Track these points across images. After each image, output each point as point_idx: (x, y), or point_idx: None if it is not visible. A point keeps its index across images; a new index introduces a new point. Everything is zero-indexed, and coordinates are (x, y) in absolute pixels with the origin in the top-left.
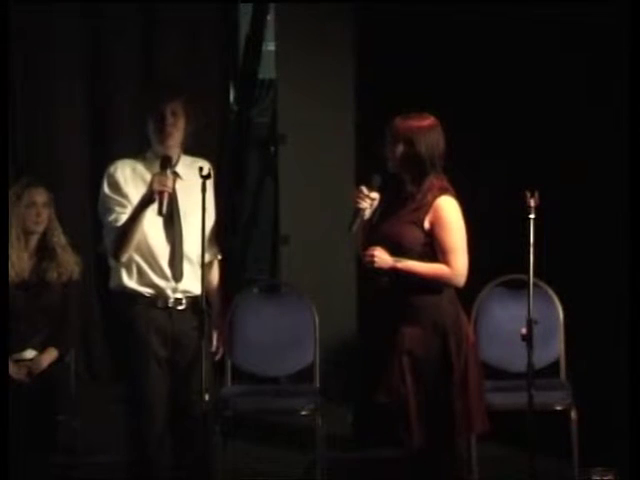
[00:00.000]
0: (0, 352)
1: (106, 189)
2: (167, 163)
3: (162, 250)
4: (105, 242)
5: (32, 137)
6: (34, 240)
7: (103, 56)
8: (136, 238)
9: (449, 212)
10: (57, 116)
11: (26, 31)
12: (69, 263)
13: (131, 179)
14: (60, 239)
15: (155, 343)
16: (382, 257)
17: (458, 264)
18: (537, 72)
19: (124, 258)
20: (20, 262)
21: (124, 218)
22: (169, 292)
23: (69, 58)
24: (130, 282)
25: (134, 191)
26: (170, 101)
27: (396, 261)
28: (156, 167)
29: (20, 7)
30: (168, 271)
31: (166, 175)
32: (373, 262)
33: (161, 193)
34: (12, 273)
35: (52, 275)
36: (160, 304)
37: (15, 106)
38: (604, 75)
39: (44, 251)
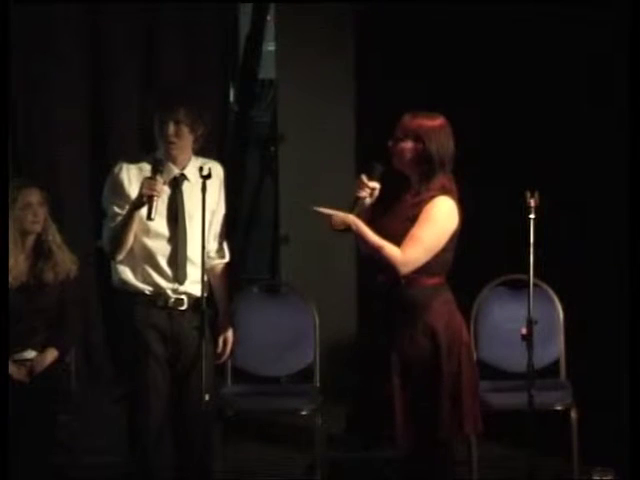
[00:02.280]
0: (0, 352)
1: (108, 188)
2: (158, 167)
3: (164, 250)
4: (104, 239)
5: (32, 137)
6: (31, 241)
7: (103, 55)
8: (131, 238)
9: (437, 210)
10: (57, 116)
11: (26, 32)
12: (65, 262)
13: (136, 180)
14: (55, 238)
15: (154, 342)
16: (339, 217)
17: (411, 254)
18: (537, 72)
19: (121, 257)
20: (18, 265)
21: (120, 219)
22: (169, 292)
23: (69, 59)
24: (131, 279)
25: (138, 192)
26: (173, 110)
27: (353, 222)
28: (164, 171)
29: (20, 8)
30: (169, 271)
31: (155, 179)
32: (331, 221)
33: (150, 197)
34: (10, 278)
35: (49, 276)
36: (160, 303)
37: (15, 107)
38: (604, 75)
39: (40, 251)
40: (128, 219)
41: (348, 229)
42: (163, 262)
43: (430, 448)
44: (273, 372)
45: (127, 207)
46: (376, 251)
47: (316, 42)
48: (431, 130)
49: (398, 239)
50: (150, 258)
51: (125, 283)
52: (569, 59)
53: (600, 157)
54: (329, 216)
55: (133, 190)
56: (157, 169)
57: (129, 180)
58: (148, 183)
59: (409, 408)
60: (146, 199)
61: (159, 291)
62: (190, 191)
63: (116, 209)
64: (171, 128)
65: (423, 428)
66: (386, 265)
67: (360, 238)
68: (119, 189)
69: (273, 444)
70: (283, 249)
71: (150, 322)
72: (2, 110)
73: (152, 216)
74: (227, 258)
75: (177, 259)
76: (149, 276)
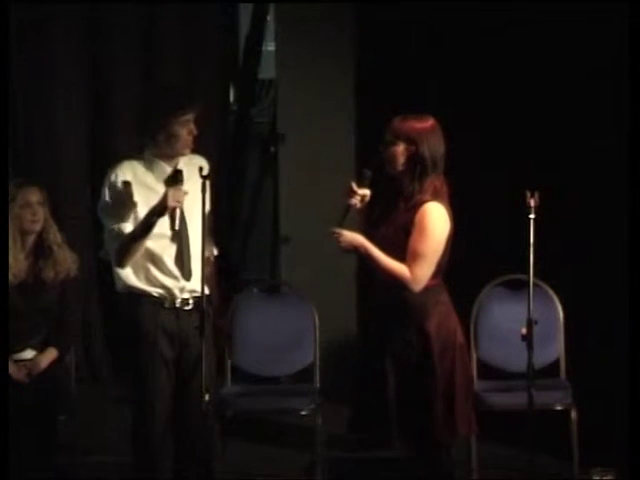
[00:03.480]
0: (0, 352)
1: (107, 197)
2: (180, 177)
3: (169, 250)
4: (107, 248)
5: (32, 137)
6: (31, 240)
7: (103, 55)
8: (143, 246)
9: (430, 218)
10: (57, 115)
11: (26, 31)
12: (66, 261)
13: (133, 183)
14: (56, 237)
15: (163, 344)
16: (347, 239)
17: (419, 272)
18: (537, 72)
19: (130, 264)
20: (17, 264)
21: (127, 227)
22: (177, 292)
23: (69, 58)
24: (137, 283)
25: (136, 196)
26: (188, 110)
27: (361, 245)
28: (157, 170)
29: (20, 7)
30: (175, 270)
31: (180, 190)
32: (337, 241)
33: (174, 209)
34: (10, 276)
35: (49, 274)
36: (167, 304)
37: (15, 106)
38: (604, 75)
39: (40, 250)
40: (145, 229)
41: (356, 250)
42: (169, 262)
43: (427, 449)
44: (273, 372)
45: (130, 213)
46: (386, 272)
47: (316, 42)
48: (422, 132)
49: (395, 249)
50: (155, 259)
51: (131, 287)
52: (569, 57)
53: (600, 157)
54: (338, 237)
55: (136, 190)
56: (177, 178)
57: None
58: (173, 195)
59: (404, 410)
60: (169, 210)
61: (166, 292)
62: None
63: (121, 217)
64: (189, 129)
65: (419, 430)
66: (400, 284)
67: (369, 260)
68: (119, 196)
69: (273, 444)
70: (283, 249)
71: (159, 324)
72: (2, 110)
73: (177, 227)
74: (215, 252)
75: (182, 257)
76: (155, 278)
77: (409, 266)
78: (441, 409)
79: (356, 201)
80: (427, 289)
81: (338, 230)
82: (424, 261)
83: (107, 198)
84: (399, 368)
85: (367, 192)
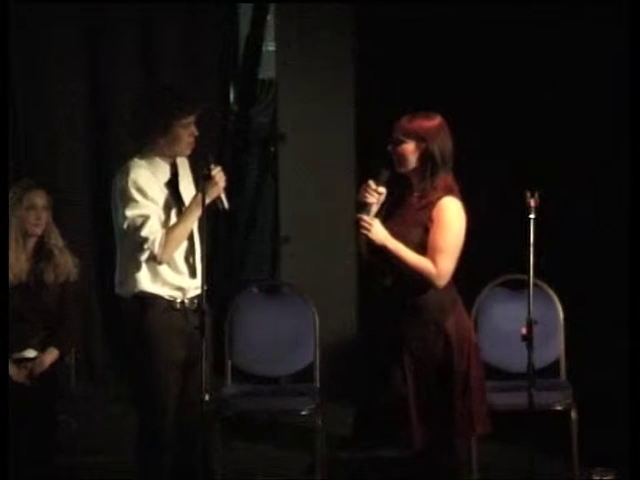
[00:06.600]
0: (0, 352)
1: (136, 195)
2: (210, 157)
3: (180, 248)
4: (150, 243)
5: (32, 138)
6: (32, 242)
7: (103, 56)
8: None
9: (449, 213)
10: (57, 117)
11: (26, 31)
12: (66, 265)
13: (151, 183)
14: (57, 241)
15: (175, 346)
16: (377, 230)
17: (443, 266)
18: (537, 72)
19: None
20: (18, 264)
21: (155, 221)
22: (187, 291)
23: (69, 58)
24: (151, 286)
25: (155, 195)
26: (191, 110)
27: (387, 239)
28: (161, 171)
29: (20, 7)
30: (186, 269)
31: (221, 171)
32: (368, 231)
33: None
34: (10, 275)
35: (49, 277)
36: (178, 305)
37: (15, 106)
38: (604, 75)
39: (41, 253)
40: (191, 218)
41: (381, 243)
42: (178, 259)
43: (444, 448)
44: (273, 372)
45: (157, 209)
46: (411, 267)
47: (316, 42)
48: (432, 130)
49: (410, 246)
50: (170, 259)
51: (143, 291)
52: (568, 59)
53: (600, 157)
54: (369, 227)
55: (152, 192)
56: (209, 159)
57: (147, 184)
58: (220, 175)
59: (423, 409)
60: (218, 191)
61: (178, 292)
62: (183, 185)
63: (152, 213)
64: (190, 131)
65: (437, 429)
66: (424, 280)
67: (395, 256)
68: (145, 194)
69: (273, 444)
70: (283, 249)
71: (172, 327)
72: (2, 109)
73: (227, 205)
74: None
75: (190, 255)
76: (169, 279)
77: (432, 261)
78: (459, 407)
79: (374, 199)
80: (444, 288)
81: (369, 220)
82: (447, 255)
83: (137, 197)
84: (418, 367)
85: (383, 190)
